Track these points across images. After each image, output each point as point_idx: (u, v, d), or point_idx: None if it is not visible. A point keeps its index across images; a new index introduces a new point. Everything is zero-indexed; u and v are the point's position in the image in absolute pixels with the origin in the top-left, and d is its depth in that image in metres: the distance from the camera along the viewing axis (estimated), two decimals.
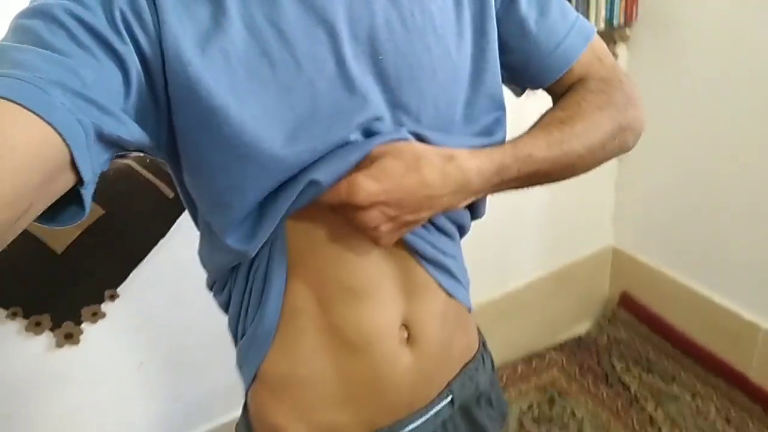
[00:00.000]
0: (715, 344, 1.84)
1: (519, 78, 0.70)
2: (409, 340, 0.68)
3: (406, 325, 0.67)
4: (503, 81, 0.68)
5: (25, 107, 0.40)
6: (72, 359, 1.27)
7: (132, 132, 0.49)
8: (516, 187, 0.65)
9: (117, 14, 0.48)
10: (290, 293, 0.63)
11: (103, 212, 1.18)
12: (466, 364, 0.77)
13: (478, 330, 0.82)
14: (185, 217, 0.90)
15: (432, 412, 0.72)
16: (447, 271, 0.70)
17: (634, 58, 1.80)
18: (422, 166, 0.56)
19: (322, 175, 0.55)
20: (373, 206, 0.55)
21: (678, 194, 1.84)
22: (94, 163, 0.45)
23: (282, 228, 0.61)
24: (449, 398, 0.74)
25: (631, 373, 1.91)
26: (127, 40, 0.49)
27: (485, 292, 1.84)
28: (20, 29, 0.46)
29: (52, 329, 1.24)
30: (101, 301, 1.27)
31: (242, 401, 0.75)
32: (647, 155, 1.89)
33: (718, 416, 1.73)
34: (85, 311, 1.26)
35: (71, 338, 1.26)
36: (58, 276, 1.20)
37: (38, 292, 1.20)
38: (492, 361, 0.83)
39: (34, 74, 0.42)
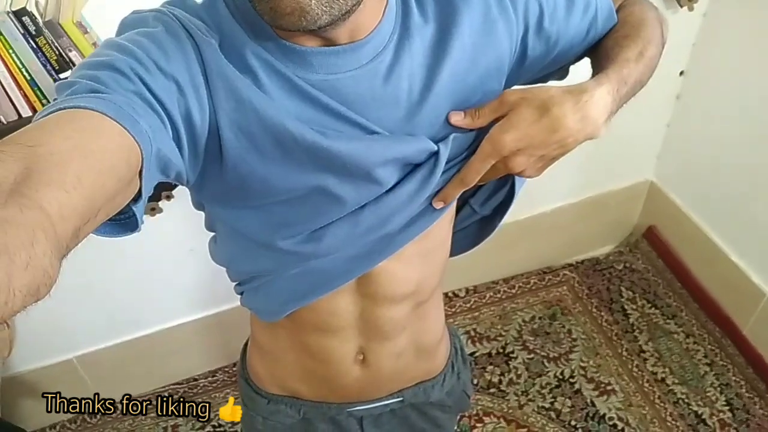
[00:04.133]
0: (721, 295, 1.93)
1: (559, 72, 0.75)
2: (364, 362, 0.82)
3: (363, 353, 0.81)
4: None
5: (107, 116, 0.45)
6: (134, 244, 1.51)
7: (177, 158, 0.54)
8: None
9: (172, 83, 0.54)
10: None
11: None
12: (423, 381, 0.90)
13: (459, 344, 0.96)
14: None
15: (381, 404, 0.89)
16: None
17: (715, 1, 1.68)
18: (551, 107, 0.58)
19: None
20: (518, 153, 0.60)
21: (727, 146, 1.81)
22: (150, 180, 0.50)
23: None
24: (400, 399, 0.90)
25: (635, 304, 2.04)
26: (176, 103, 0.54)
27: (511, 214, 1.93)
28: (86, 77, 0.50)
29: None
30: (159, 199, 1.48)
31: None
32: (707, 99, 1.84)
33: (704, 359, 1.88)
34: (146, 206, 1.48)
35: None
36: None
37: None
38: (458, 374, 0.95)
39: (112, 96, 0.48)
